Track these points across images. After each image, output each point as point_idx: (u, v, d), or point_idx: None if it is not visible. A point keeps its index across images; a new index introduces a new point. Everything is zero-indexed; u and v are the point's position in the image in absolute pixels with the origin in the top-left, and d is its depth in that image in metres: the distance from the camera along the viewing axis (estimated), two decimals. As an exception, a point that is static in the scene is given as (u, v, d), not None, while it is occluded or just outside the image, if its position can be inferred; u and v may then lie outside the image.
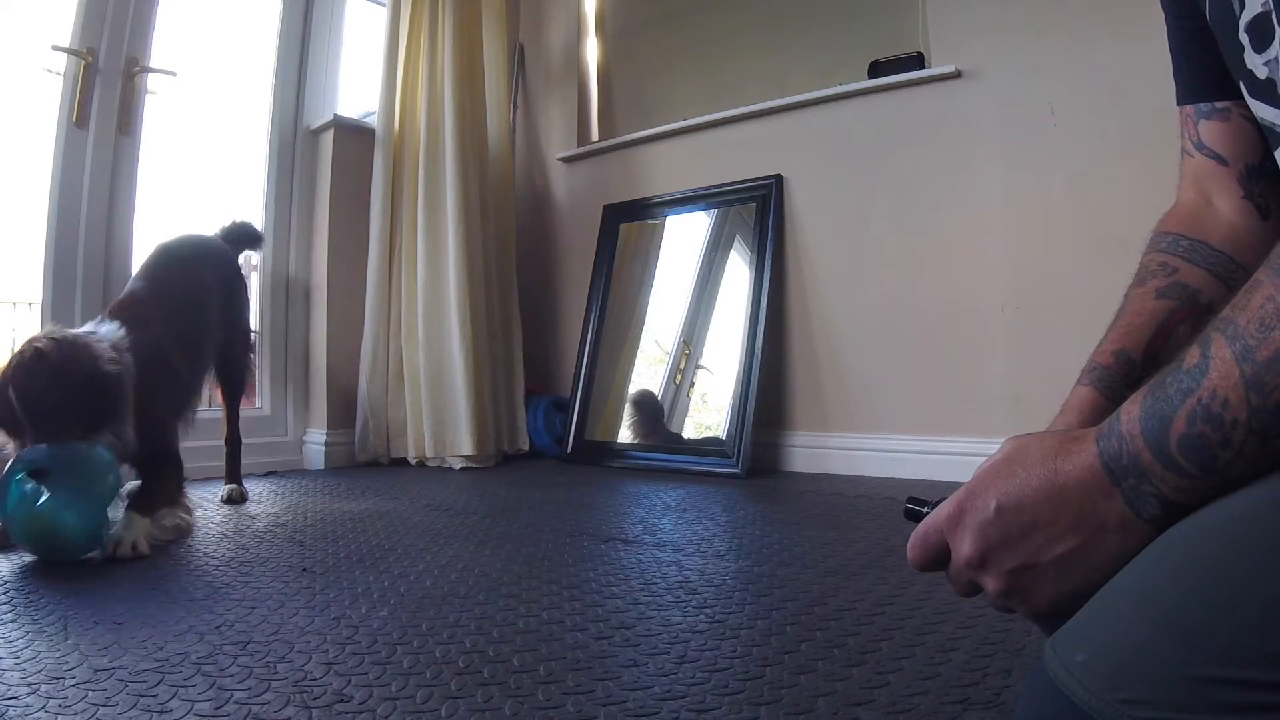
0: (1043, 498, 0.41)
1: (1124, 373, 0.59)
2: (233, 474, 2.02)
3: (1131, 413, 0.40)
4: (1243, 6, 0.48)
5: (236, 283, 2.04)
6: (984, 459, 0.47)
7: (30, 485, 1.29)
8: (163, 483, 1.53)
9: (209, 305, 1.86)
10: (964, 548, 0.44)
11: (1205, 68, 0.60)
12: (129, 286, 1.76)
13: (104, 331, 1.48)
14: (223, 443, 2.03)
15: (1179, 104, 0.65)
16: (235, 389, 2.04)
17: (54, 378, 1.33)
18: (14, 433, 1.34)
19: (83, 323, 1.59)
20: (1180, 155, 0.66)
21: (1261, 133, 0.57)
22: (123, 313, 1.59)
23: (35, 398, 1.31)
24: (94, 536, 1.33)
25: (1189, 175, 0.65)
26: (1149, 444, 0.38)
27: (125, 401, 1.43)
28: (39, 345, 1.35)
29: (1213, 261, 0.61)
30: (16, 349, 1.38)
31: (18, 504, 1.29)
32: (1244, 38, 0.48)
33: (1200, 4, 0.55)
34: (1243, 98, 0.55)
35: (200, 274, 1.88)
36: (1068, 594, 0.42)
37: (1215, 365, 0.36)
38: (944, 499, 0.48)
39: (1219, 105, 0.61)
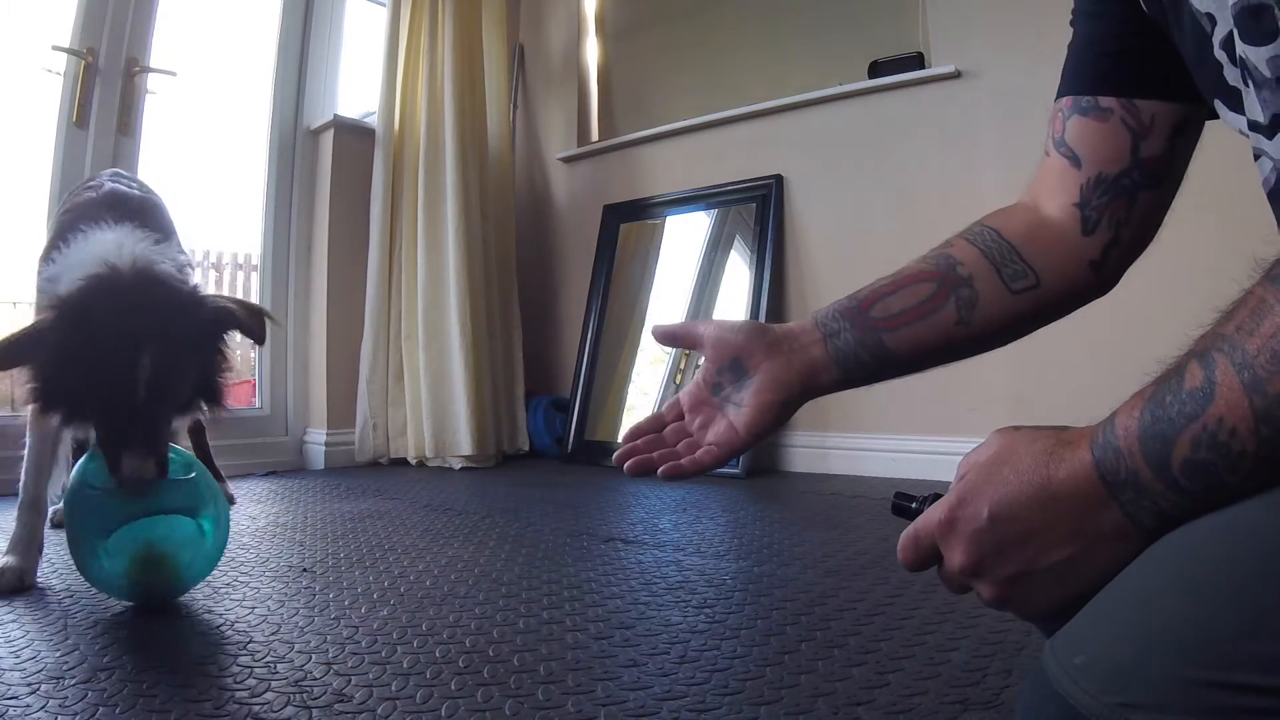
0: (1036, 506, 0.41)
1: (844, 305, 0.60)
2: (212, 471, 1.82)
3: (1129, 427, 0.39)
4: (1214, 24, 0.45)
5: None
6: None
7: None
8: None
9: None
10: (957, 556, 0.44)
11: (1110, 61, 0.57)
12: (93, 194, 1.33)
13: (174, 254, 1.11)
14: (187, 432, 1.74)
15: (1057, 97, 0.62)
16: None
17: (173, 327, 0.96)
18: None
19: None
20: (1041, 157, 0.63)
21: (1133, 145, 0.56)
22: (122, 209, 1.20)
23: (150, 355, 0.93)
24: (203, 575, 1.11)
25: (1036, 178, 0.63)
26: (1149, 463, 0.38)
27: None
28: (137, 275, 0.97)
29: (991, 246, 0.60)
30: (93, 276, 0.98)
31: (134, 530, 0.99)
32: (1221, 54, 0.46)
33: (1165, 18, 0.50)
34: (1131, 100, 0.55)
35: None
36: (1063, 600, 0.42)
37: (1221, 393, 0.35)
38: (934, 494, 0.48)
39: (1103, 103, 0.58)
